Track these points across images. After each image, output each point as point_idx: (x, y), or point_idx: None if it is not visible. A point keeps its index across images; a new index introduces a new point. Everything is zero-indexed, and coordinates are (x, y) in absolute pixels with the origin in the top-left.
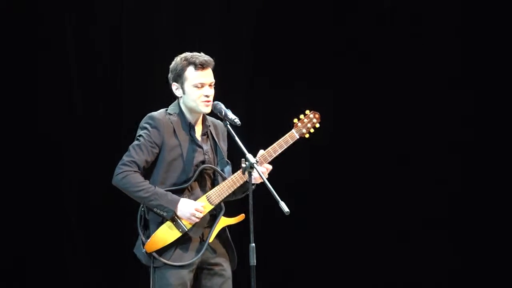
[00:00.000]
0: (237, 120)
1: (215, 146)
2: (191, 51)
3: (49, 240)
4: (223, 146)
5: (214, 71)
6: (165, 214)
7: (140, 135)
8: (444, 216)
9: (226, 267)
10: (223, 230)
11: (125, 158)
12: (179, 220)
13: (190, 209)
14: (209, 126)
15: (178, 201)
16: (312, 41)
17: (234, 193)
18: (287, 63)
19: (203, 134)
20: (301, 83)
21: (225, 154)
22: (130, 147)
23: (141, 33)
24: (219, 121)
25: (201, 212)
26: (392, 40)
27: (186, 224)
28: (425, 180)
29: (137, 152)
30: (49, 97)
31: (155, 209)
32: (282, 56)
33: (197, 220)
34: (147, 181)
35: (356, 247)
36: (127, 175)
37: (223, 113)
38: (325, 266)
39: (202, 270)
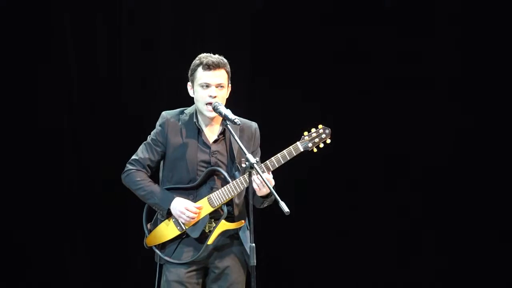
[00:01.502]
0: (237, 121)
1: (230, 148)
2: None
3: (49, 240)
4: (245, 149)
5: (228, 73)
6: (160, 212)
7: (150, 134)
8: (443, 217)
9: (235, 271)
10: (240, 232)
11: (132, 157)
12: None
13: (180, 207)
14: (225, 130)
15: (172, 199)
16: (312, 40)
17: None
18: (288, 62)
19: (219, 135)
20: (301, 83)
21: (240, 157)
22: (140, 146)
23: (141, 33)
24: (251, 124)
25: (193, 212)
26: (391, 40)
27: (185, 223)
28: (424, 181)
29: (142, 151)
30: (49, 97)
31: (153, 207)
32: (283, 56)
33: (187, 219)
34: (147, 180)
35: (355, 247)
36: (129, 174)
37: (223, 114)
38: (325, 266)
39: (209, 272)
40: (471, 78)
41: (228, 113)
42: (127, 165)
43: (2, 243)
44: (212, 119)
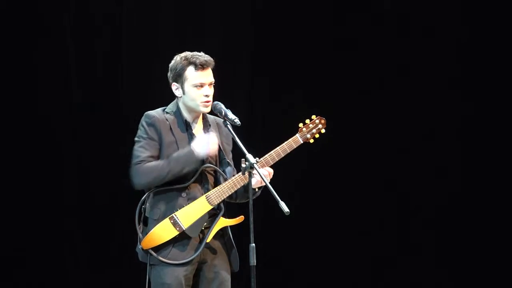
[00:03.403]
0: (237, 120)
1: None
2: (191, 51)
3: (49, 240)
4: (226, 146)
5: (214, 70)
6: (193, 166)
7: (138, 136)
8: (443, 216)
9: (224, 269)
10: (225, 231)
11: (133, 161)
12: (177, 219)
13: (205, 142)
14: (210, 125)
15: (192, 150)
16: (312, 41)
17: (237, 196)
18: (288, 63)
19: (204, 133)
20: (301, 83)
21: (227, 154)
22: (134, 151)
23: (141, 33)
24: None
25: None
26: (391, 40)
27: (184, 223)
28: (423, 180)
29: (142, 151)
30: (49, 97)
31: (184, 171)
32: (283, 56)
33: (216, 145)
34: (157, 161)
35: (355, 247)
36: (139, 169)
37: (223, 113)
38: (325, 266)
39: (200, 271)
40: (471, 78)
41: (229, 112)
42: (134, 167)
43: (2, 243)
44: (198, 115)
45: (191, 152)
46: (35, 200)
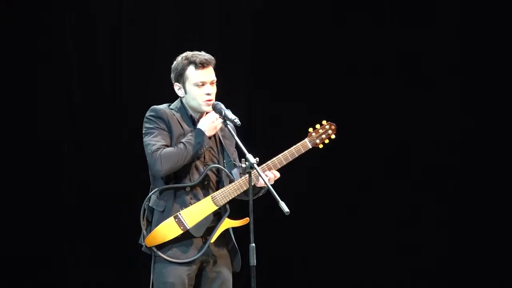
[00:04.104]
0: (237, 120)
1: (221, 145)
2: (192, 51)
3: (49, 240)
4: (230, 147)
5: (215, 69)
6: (207, 146)
7: (148, 128)
8: (443, 216)
9: (226, 269)
10: (228, 234)
11: (149, 150)
12: (181, 218)
13: (209, 122)
14: None
15: (201, 130)
16: (312, 41)
17: (244, 194)
18: (288, 64)
19: None
20: (301, 83)
21: (232, 154)
22: (147, 142)
23: (141, 33)
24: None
25: (216, 119)
26: (391, 40)
27: (189, 222)
28: (423, 181)
29: (156, 140)
30: (49, 97)
31: (200, 153)
32: (283, 56)
33: (219, 123)
34: (174, 147)
35: (355, 247)
36: (159, 156)
37: (223, 113)
38: (325, 265)
39: (202, 271)
40: (471, 76)
41: (229, 113)
42: (152, 155)
43: (2, 243)
44: (202, 115)
45: (202, 132)
46: (35, 200)
